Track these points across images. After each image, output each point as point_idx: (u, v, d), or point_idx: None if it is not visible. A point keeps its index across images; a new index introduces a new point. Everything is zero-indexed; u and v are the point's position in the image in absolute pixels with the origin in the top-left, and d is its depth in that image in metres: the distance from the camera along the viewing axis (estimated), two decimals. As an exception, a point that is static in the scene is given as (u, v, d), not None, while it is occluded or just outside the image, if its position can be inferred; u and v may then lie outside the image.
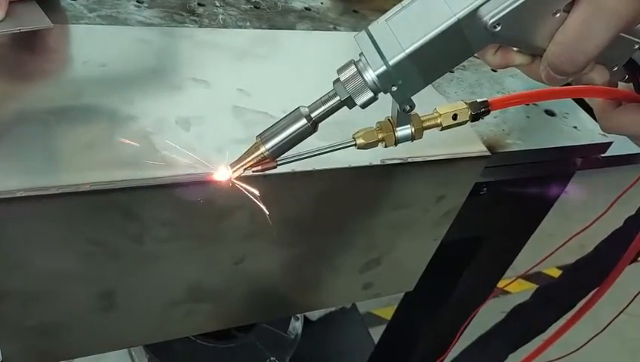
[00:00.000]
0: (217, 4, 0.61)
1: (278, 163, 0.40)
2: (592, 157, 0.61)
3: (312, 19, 0.64)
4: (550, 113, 0.62)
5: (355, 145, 0.42)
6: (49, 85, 0.45)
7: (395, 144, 0.43)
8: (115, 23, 0.54)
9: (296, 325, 0.83)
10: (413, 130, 0.42)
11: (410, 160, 0.50)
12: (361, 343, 1.01)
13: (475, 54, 0.39)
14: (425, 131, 0.43)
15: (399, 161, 0.49)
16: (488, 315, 1.45)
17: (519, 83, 0.65)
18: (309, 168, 0.46)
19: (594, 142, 0.59)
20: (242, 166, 0.39)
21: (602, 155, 0.62)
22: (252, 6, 0.63)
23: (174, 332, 0.53)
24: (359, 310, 1.15)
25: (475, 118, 0.45)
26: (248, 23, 0.60)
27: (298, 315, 0.85)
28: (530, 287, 1.63)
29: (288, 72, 0.55)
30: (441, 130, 0.44)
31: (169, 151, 0.42)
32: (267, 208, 0.46)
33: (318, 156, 0.46)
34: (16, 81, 0.45)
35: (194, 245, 0.46)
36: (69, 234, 0.40)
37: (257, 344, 0.78)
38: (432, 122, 0.43)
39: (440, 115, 0.43)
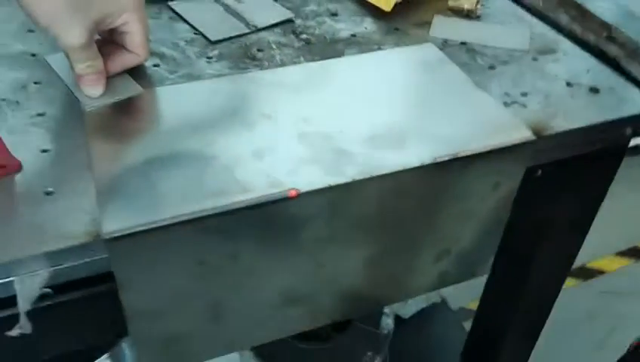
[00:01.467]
0: (274, 47, 0.70)
1: None
2: (642, 126, 0.63)
3: (358, 44, 0.71)
4: (594, 90, 0.65)
5: None
6: (145, 141, 0.55)
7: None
8: (192, 80, 0.64)
9: (388, 321, 0.89)
10: None
11: (460, 154, 0.55)
12: (455, 336, 1.05)
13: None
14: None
15: (450, 157, 0.55)
16: (588, 297, 1.44)
17: (559, 67, 0.68)
18: (369, 175, 0.52)
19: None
20: None
21: (653, 123, 0.64)
22: (304, 43, 0.71)
23: (274, 333, 0.61)
24: (452, 307, 1.19)
25: None
26: (302, 58, 0.68)
27: (388, 311, 0.91)
28: (627, 263, 1.60)
29: (342, 95, 0.62)
30: None
31: (249, 180, 0.50)
32: (337, 217, 0.54)
33: (375, 163, 0.53)
34: (117, 141, 0.55)
35: (280, 256, 0.54)
36: (178, 257, 0.49)
37: (353, 342, 0.85)
38: None
39: None
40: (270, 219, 0.51)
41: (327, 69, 0.66)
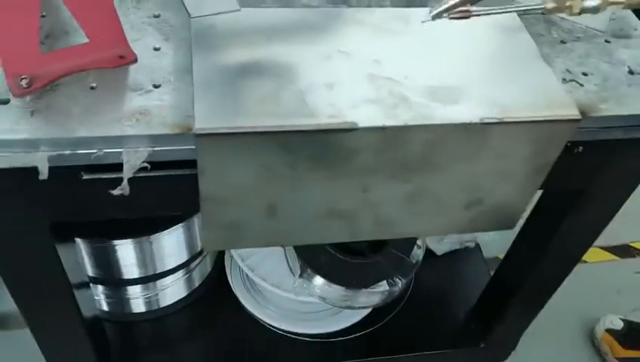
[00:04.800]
0: (365, -13, 0.76)
1: (472, 13, 0.51)
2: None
3: (442, -3, 0.76)
4: (655, 83, 0.68)
5: (543, 8, 0.51)
6: (237, 54, 0.64)
7: (580, 13, 0.51)
8: (286, 6, 0.72)
9: (418, 252, 0.99)
10: (600, 1, 0.50)
11: (504, 120, 0.61)
12: (479, 280, 1.14)
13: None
14: (610, 6, 0.49)
15: (495, 121, 0.61)
16: (622, 274, 1.48)
17: (628, 53, 0.71)
18: (420, 123, 0.60)
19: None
20: (443, 9, 0.51)
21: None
22: (393, -13, 0.77)
23: (317, 238, 0.72)
24: (485, 255, 1.28)
25: None
26: (388, 2, 0.74)
27: (420, 244, 1.01)
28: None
29: (416, 45, 0.69)
30: (623, 7, 0.51)
31: (316, 106, 0.59)
32: (385, 153, 0.62)
33: (428, 113, 0.60)
34: (215, 50, 0.64)
35: (331, 175, 0.63)
36: (248, 159, 0.60)
37: (384, 263, 0.96)
38: None
39: None
40: (327, 144, 0.60)
41: (408, 17, 0.72)
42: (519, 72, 0.67)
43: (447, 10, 0.48)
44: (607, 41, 0.73)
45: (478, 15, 0.48)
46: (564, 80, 0.67)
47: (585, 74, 0.68)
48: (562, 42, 0.72)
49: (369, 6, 0.74)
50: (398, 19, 0.71)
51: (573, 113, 0.63)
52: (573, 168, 0.71)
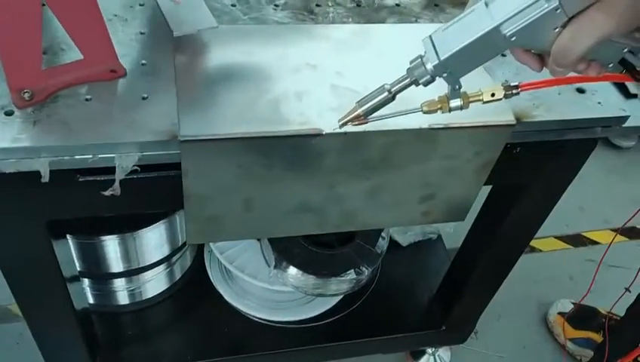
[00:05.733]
0: (329, 4, 0.85)
1: (369, 120, 0.63)
2: (613, 126, 0.77)
3: (399, 14, 0.86)
4: (581, 90, 0.78)
5: (422, 111, 0.63)
6: (216, 67, 0.72)
7: (450, 111, 0.63)
8: (260, 23, 0.80)
9: (382, 243, 1.08)
10: (462, 102, 0.62)
11: (450, 125, 0.71)
12: (441, 268, 1.25)
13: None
14: (470, 103, 0.62)
15: (442, 126, 0.71)
16: (574, 262, 1.59)
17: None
18: (377, 128, 0.69)
19: (609, 115, 0.75)
20: (346, 120, 0.63)
21: (623, 125, 0.77)
22: (355, 4, 0.86)
23: (290, 231, 0.81)
24: (447, 245, 1.38)
25: (507, 96, 0.63)
26: (350, 19, 0.83)
27: (384, 236, 1.10)
28: (621, 240, 1.74)
29: (375, 58, 0.78)
30: (482, 103, 0.63)
31: (287, 115, 0.68)
32: (348, 155, 0.71)
33: (393, 117, 0.69)
34: (196, 64, 0.72)
35: (301, 174, 0.72)
36: (227, 161, 0.68)
37: (352, 254, 1.05)
38: (476, 98, 0.62)
39: (482, 92, 0.62)
40: (298, 147, 0.68)
41: (368, 32, 0.81)
42: (464, 81, 0.76)
43: (349, 121, 0.63)
44: (542, 54, 0.83)
45: (373, 121, 0.62)
46: (503, 89, 0.77)
47: (522, 83, 0.78)
48: (503, 55, 0.82)
49: (333, 22, 0.83)
50: (359, 34, 0.80)
51: (509, 119, 0.73)
52: (513, 166, 0.81)
